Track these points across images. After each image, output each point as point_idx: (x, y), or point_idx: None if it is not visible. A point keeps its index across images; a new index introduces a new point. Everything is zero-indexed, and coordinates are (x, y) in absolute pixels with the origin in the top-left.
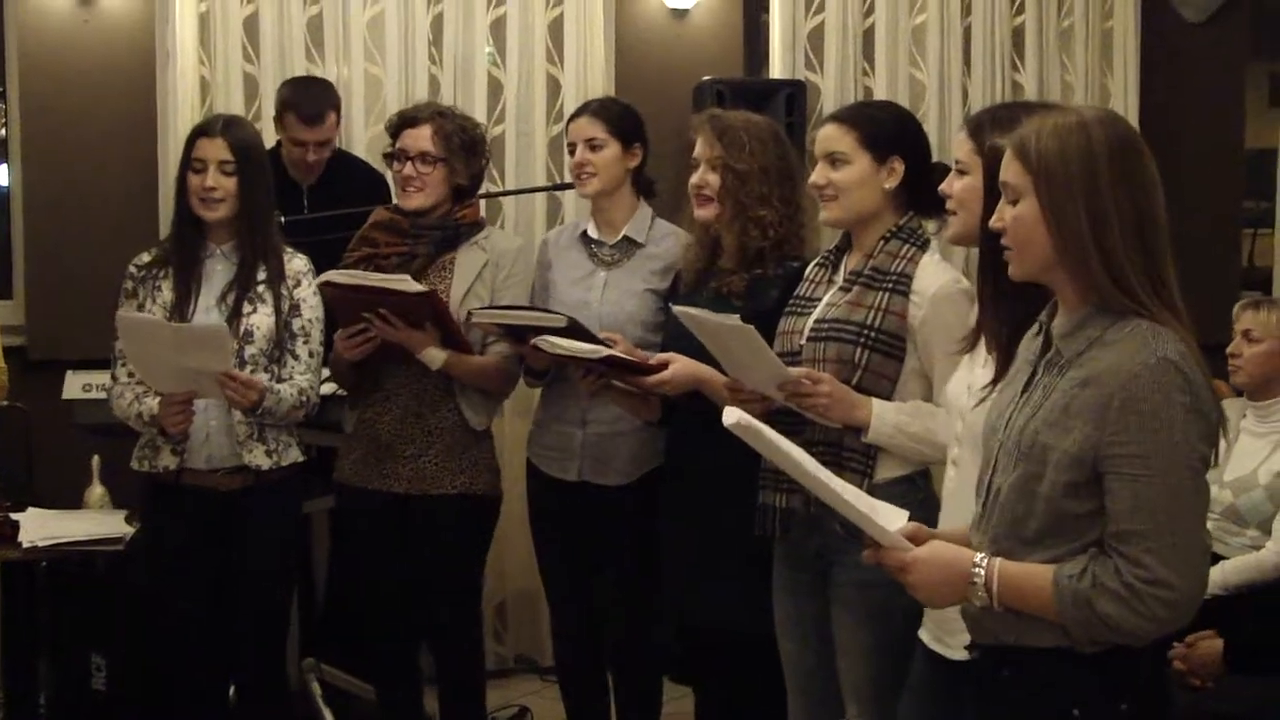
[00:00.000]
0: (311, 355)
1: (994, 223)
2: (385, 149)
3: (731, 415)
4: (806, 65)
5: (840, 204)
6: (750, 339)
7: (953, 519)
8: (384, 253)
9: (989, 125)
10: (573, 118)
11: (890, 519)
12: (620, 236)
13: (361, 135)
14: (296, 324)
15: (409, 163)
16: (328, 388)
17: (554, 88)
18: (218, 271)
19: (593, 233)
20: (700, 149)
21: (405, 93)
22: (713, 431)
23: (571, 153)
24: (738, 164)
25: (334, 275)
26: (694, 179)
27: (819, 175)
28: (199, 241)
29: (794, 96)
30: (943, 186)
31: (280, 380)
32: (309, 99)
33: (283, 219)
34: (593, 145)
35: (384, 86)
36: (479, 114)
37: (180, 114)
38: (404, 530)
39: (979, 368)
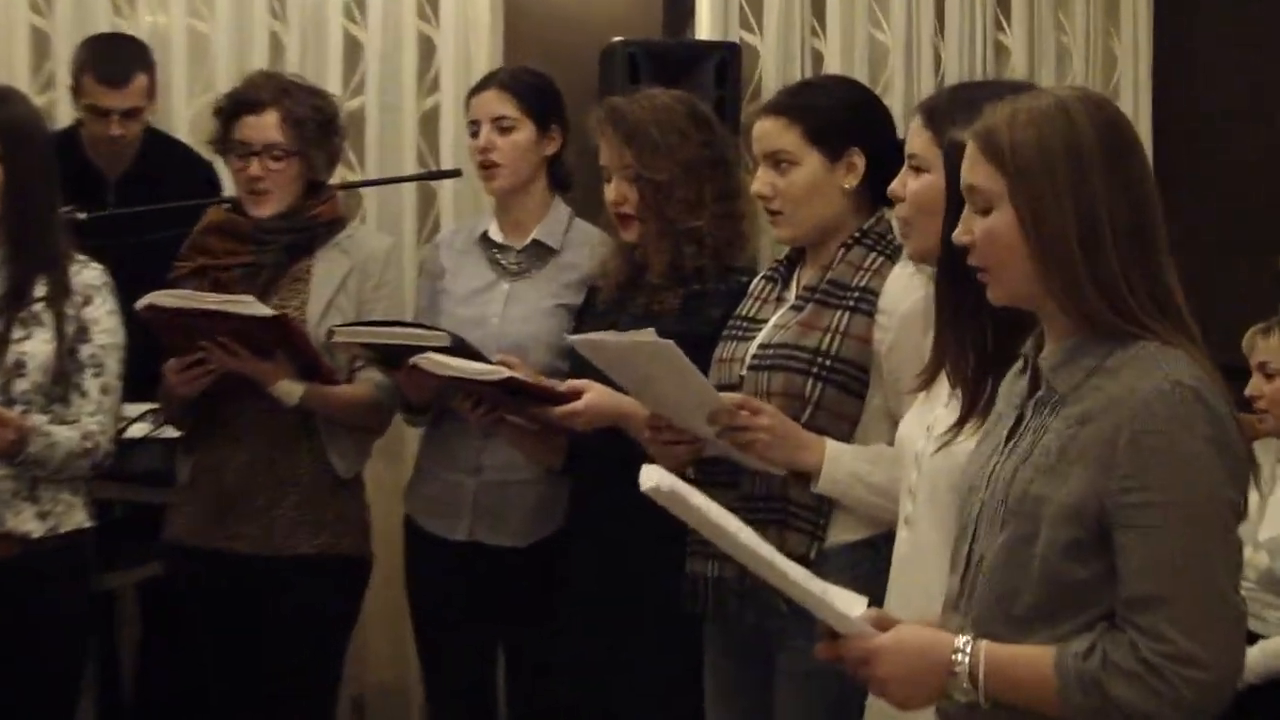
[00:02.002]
0: (105, 392)
1: (958, 236)
2: (212, 135)
3: (650, 477)
4: (741, 23)
5: (792, 218)
6: (670, 359)
7: (905, 594)
8: (223, 263)
9: (950, 109)
10: (475, 90)
11: (847, 604)
12: (529, 240)
13: (183, 108)
14: (85, 352)
15: (253, 159)
16: (138, 429)
17: (426, 50)
18: None
19: (495, 235)
20: (606, 156)
21: (239, 55)
22: (631, 481)
23: (474, 134)
24: (655, 173)
25: (158, 297)
26: (609, 194)
27: (762, 184)
28: None
29: (726, 63)
30: (893, 188)
31: (62, 423)
32: (112, 57)
33: (81, 216)
34: (502, 126)
35: (211, 46)
36: (332, 83)
37: None
38: (247, 601)
39: (940, 406)
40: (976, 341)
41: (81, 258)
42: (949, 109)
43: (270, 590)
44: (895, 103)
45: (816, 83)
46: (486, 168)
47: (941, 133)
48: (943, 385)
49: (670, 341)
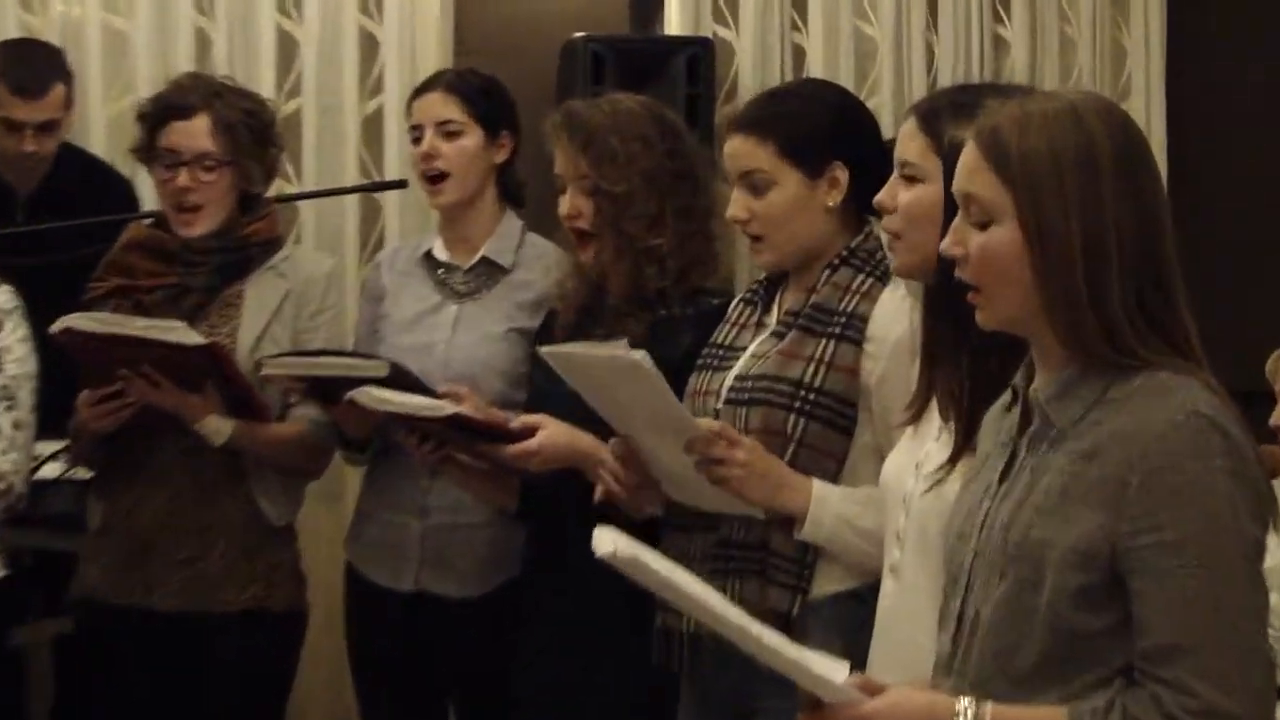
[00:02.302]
0: (17, 427)
1: (948, 247)
2: (135, 143)
3: (605, 540)
4: (715, 17)
5: (773, 243)
6: (642, 376)
7: (891, 651)
8: (144, 285)
9: (950, 113)
10: (417, 92)
11: (829, 670)
12: (478, 258)
13: (98, 113)
14: None
15: (181, 170)
16: (51, 469)
17: (369, 47)
18: None
19: (440, 253)
20: (561, 164)
21: (161, 54)
22: (589, 527)
23: (416, 140)
24: (613, 185)
25: (76, 320)
26: (562, 206)
27: (737, 208)
28: None
29: (698, 59)
30: (880, 198)
31: None
32: (27, 66)
33: None
34: (447, 131)
35: (130, 44)
36: (265, 84)
37: None
38: (170, 661)
39: (930, 441)
40: (972, 368)
41: None
42: (948, 113)
43: (196, 650)
44: (884, 103)
45: (788, 91)
46: (431, 179)
47: (940, 139)
48: (933, 419)
49: (643, 354)
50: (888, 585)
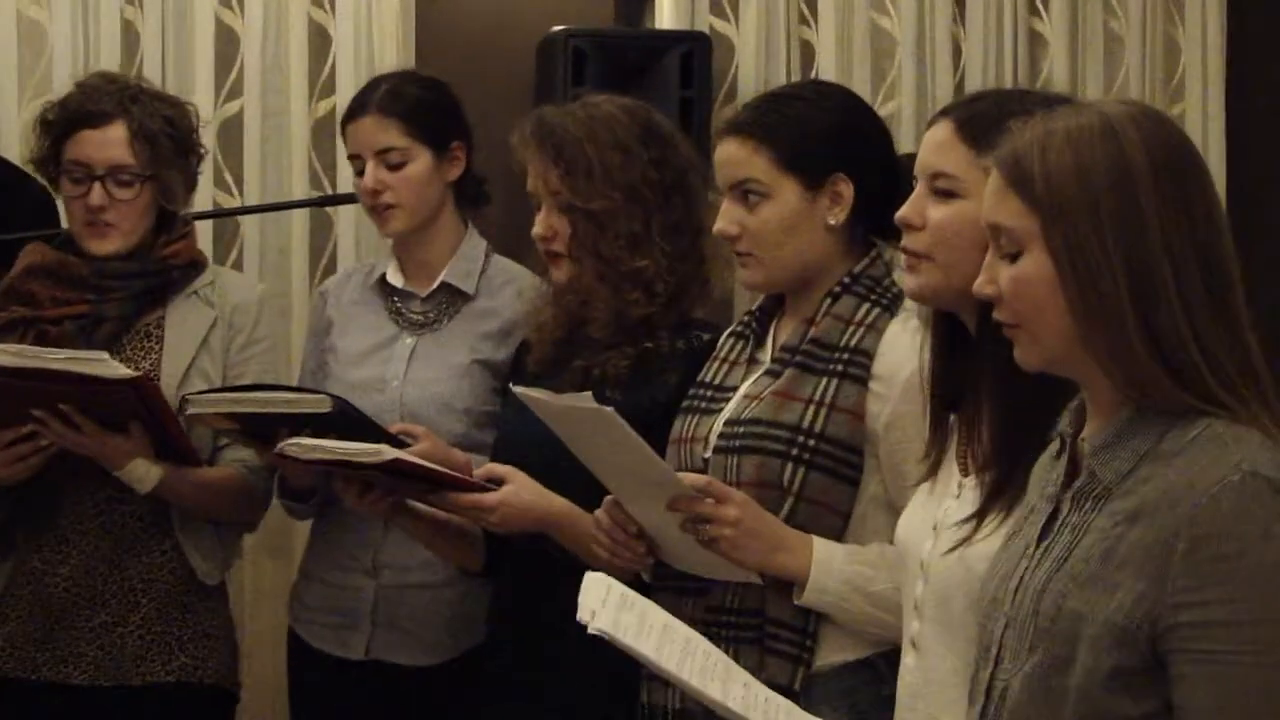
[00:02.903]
0: None
1: (980, 287)
2: (36, 152)
3: (590, 608)
4: (713, 9)
5: (763, 261)
6: (612, 429)
7: None
8: (49, 314)
9: (994, 120)
10: (348, 118)
11: None
12: (437, 284)
13: (12, 113)
14: None
15: (94, 185)
16: None
17: (320, 43)
18: None
19: (395, 279)
20: (532, 180)
21: (85, 50)
22: (570, 584)
23: (358, 171)
24: (590, 202)
25: None
26: (536, 226)
27: (726, 221)
28: None
29: (692, 57)
30: (905, 214)
31: None
32: None
33: None
34: (389, 162)
35: (49, 39)
36: (202, 84)
37: None
38: None
39: (949, 498)
40: (997, 413)
41: None
42: (993, 119)
43: None
44: (903, 108)
45: (790, 93)
46: (379, 210)
47: (983, 148)
48: (951, 471)
49: (609, 410)
50: (908, 660)
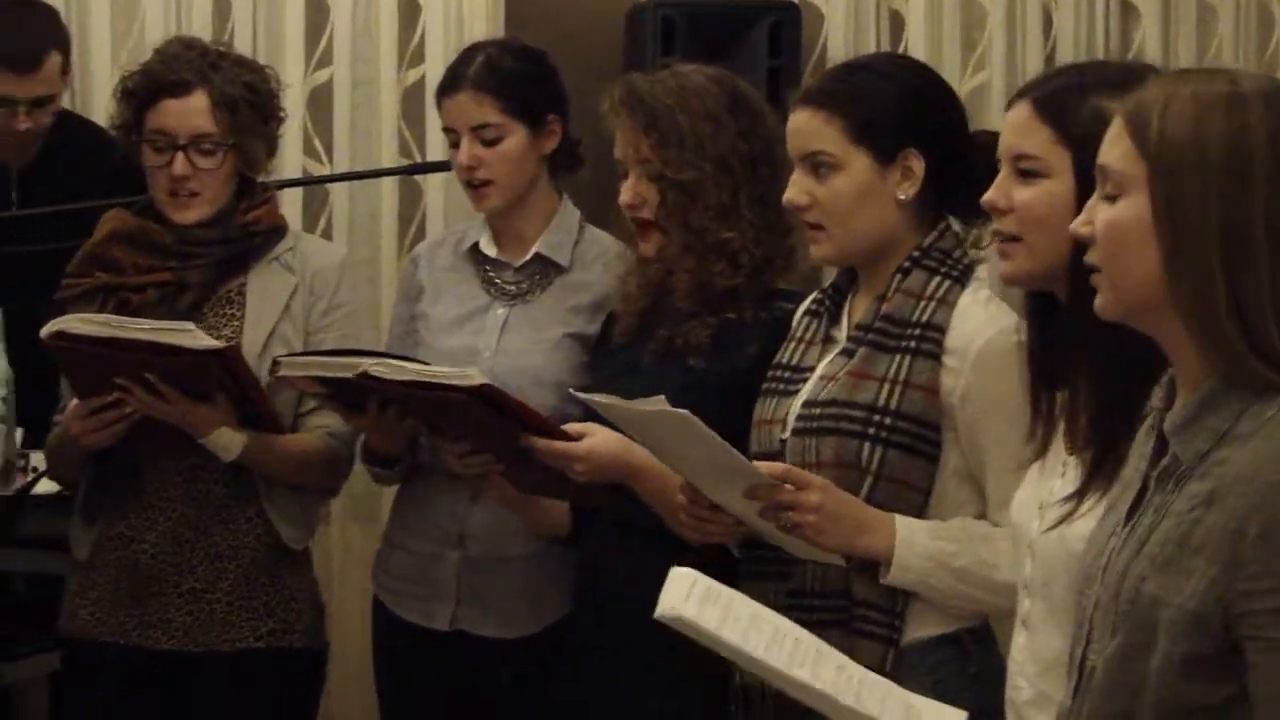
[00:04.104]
0: None
1: (1077, 226)
2: (118, 119)
3: (673, 600)
4: None
5: (833, 235)
6: (688, 429)
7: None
8: (131, 282)
9: (1073, 96)
10: (442, 91)
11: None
12: (531, 255)
13: (105, 81)
14: None
15: (176, 155)
16: (49, 484)
17: (410, 12)
18: None
19: (488, 248)
20: (620, 148)
21: (175, 19)
22: (658, 554)
23: (453, 144)
24: (680, 171)
25: (70, 323)
26: (623, 194)
27: (796, 191)
28: None
29: (781, 27)
30: (990, 197)
31: None
32: (18, 35)
33: None
34: (484, 137)
35: (140, 9)
36: (292, 52)
37: None
38: (174, 709)
39: (1056, 476)
40: (1096, 389)
41: None
42: (1072, 96)
43: (204, 694)
44: (993, 80)
45: (864, 64)
46: (475, 187)
47: (1066, 128)
48: (1059, 450)
49: (685, 412)
50: (1019, 639)
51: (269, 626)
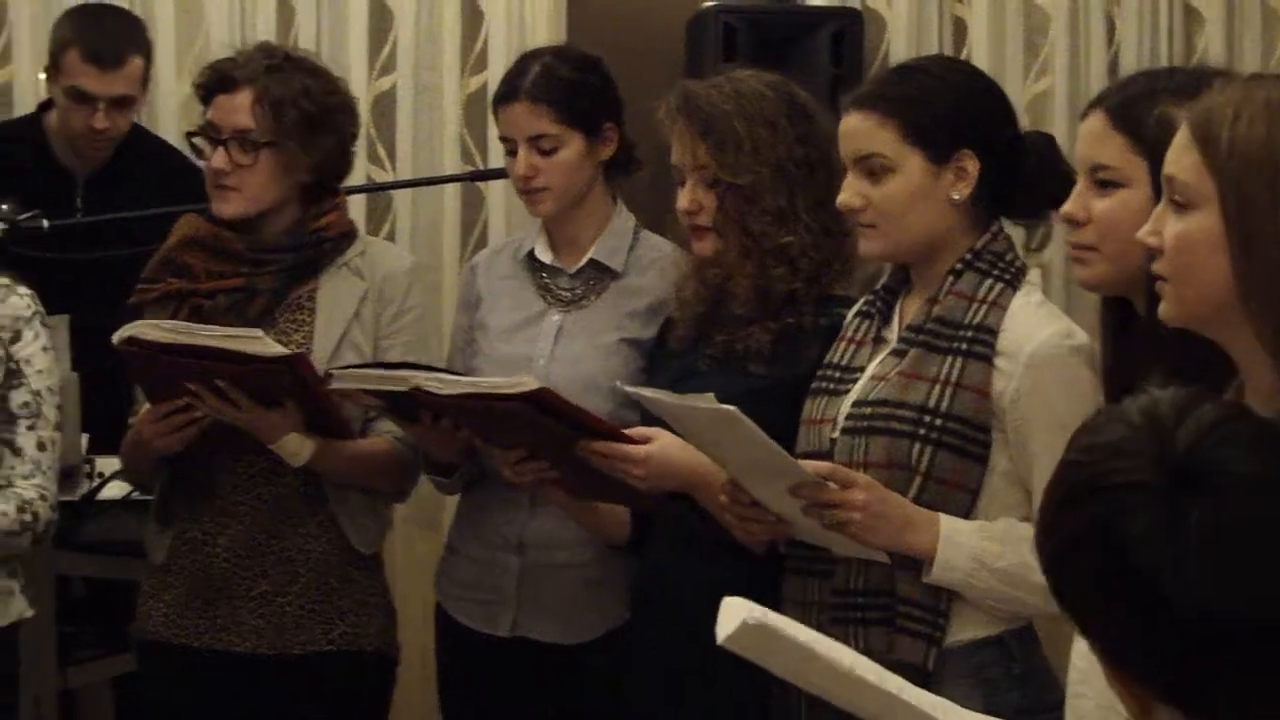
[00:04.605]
0: (42, 448)
1: (1145, 235)
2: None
3: (732, 622)
4: None
5: (885, 233)
6: (735, 426)
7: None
8: (204, 288)
9: (1145, 103)
10: (499, 101)
11: None
12: (585, 261)
13: (171, 88)
14: (16, 400)
15: (219, 148)
16: (114, 489)
17: (473, 19)
18: None
19: (543, 254)
20: (678, 153)
21: (241, 25)
22: (718, 562)
23: (509, 152)
24: (737, 176)
25: (142, 329)
26: (681, 200)
27: (850, 194)
28: None
29: (843, 34)
30: (1069, 209)
31: None
32: (104, 32)
33: (45, 224)
34: (541, 147)
35: (206, 15)
36: (355, 59)
37: None
38: (246, 711)
39: None
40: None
41: (3, 280)
42: (1144, 103)
43: (276, 697)
44: (1056, 84)
45: (917, 67)
46: (530, 193)
47: (1140, 135)
48: None
49: (732, 409)
50: (1079, 646)
51: (341, 630)
